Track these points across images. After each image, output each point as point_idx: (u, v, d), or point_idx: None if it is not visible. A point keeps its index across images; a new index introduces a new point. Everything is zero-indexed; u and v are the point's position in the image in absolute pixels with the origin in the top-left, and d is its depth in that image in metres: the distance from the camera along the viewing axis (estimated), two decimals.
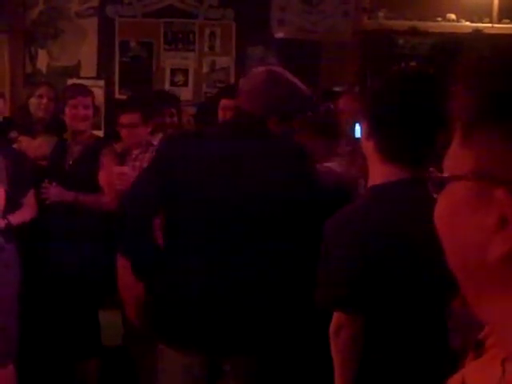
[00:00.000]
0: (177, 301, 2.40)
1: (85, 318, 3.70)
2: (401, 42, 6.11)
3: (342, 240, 1.87)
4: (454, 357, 1.54)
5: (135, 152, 3.74)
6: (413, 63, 5.97)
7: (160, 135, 3.70)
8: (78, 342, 3.68)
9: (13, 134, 4.06)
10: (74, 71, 6.01)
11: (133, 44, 6.06)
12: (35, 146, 3.91)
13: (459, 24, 6.07)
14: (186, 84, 6.06)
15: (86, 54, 6.00)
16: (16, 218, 3.44)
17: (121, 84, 6.04)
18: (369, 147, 1.90)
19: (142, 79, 5.97)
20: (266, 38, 6.05)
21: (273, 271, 2.31)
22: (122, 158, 3.73)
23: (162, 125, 3.98)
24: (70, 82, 5.75)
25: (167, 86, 5.98)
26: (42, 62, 6.02)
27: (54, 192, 3.66)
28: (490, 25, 6.05)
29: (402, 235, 1.80)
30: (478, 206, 0.64)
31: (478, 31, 5.98)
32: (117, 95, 5.93)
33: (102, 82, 5.99)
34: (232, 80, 5.84)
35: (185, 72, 6.09)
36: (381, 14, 6.12)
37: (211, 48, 6.12)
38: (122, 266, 3.58)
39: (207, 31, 6.10)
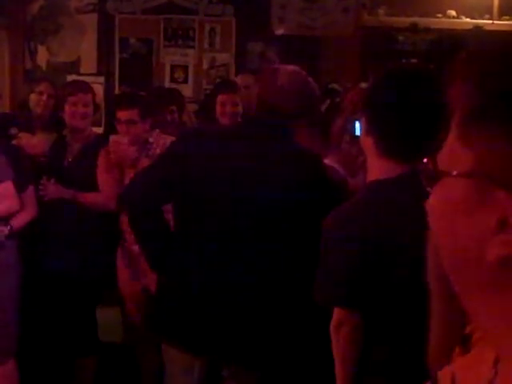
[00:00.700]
0: (176, 299, 2.40)
1: (83, 315, 3.69)
2: (401, 38, 6.10)
3: (341, 236, 1.87)
4: None
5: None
6: (413, 60, 5.96)
7: (156, 132, 3.68)
8: (76, 339, 3.67)
9: (13, 131, 4.05)
10: (74, 67, 6.00)
11: (133, 40, 6.05)
12: (34, 143, 3.90)
13: (459, 20, 6.06)
14: (185, 80, 6.05)
15: (86, 50, 5.99)
16: (18, 222, 3.44)
17: (121, 80, 6.03)
18: (368, 143, 1.90)
19: (141, 76, 5.96)
20: (265, 34, 6.04)
21: (273, 273, 2.28)
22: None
23: (163, 122, 3.97)
24: (69, 78, 5.74)
25: (167, 83, 5.97)
26: (42, 58, 6.01)
27: (53, 189, 3.65)
28: (490, 21, 6.04)
29: (401, 231, 1.80)
30: (477, 206, 0.63)
31: (478, 28, 5.97)
32: (117, 92, 5.92)
33: (101, 79, 5.98)
34: (232, 76, 5.83)
35: (185, 68, 6.08)
36: (381, 11, 6.11)
37: (211, 44, 6.10)
38: (122, 262, 3.60)
39: (207, 27, 6.09)
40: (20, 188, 3.45)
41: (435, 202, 0.68)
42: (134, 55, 6.04)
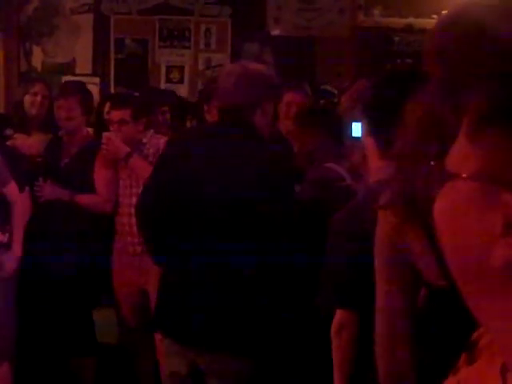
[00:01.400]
0: (161, 293, 2.58)
1: (80, 316, 3.69)
2: (396, 39, 6.11)
3: (343, 238, 1.87)
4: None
5: None
6: (408, 60, 5.97)
7: (151, 132, 3.68)
8: (73, 340, 3.67)
9: (8, 132, 4.05)
10: (69, 68, 5.99)
11: (128, 41, 6.04)
12: (29, 143, 3.90)
13: None
14: (181, 81, 6.05)
15: (81, 51, 5.99)
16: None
17: (116, 81, 6.02)
18: (369, 144, 1.90)
19: (137, 76, 5.96)
20: (261, 34, 6.04)
21: (235, 272, 2.36)
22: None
23: (156, 122, 3.97)
24: (65, 79, 5.74)
25: (163, 83, 5.97)
26: (37, 59, 6.00)
27: (49, 190, 3.65)
28: None
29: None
30: (484, 209, 0.62)
31: None
32: (112, 92, 5.91)
33: (97, 79, 5.97)
34: None
35: (180, 69, 6.08)
36: (376, 12, 6.12)
37: (207, 45, 6.10)
38: (117, 264, 3.60)
39: (203, 28, 6.09)
40: (19, 189, 3.45)
41: (442, 204, 0.68)
42: (129, 56, 6.04)
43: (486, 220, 0.62)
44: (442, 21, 0.67)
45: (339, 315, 1.88)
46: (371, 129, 1.88)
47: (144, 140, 3.61)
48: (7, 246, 3.37)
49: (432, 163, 0.68)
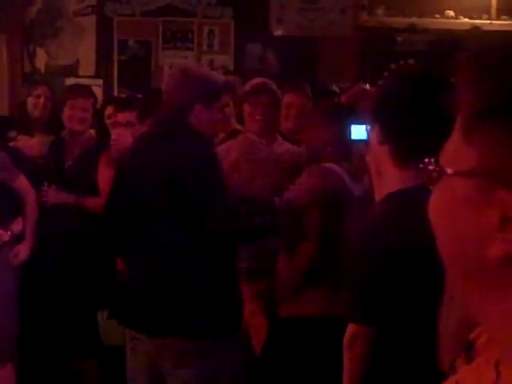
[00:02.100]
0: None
1: (84, 317, 3.69)
2: (399, 39, 6.11)
3: (364, 252, 1.82)
4: None
5: None
6: (411, 60, 5.97)
7: None
8: (77, 341, 3.67)
9: (11, 134, 4.06)
10: (73, 70, 6.00)
11: (131, 43, 6.05)
12: (31, 145, 3.91)
13: (458, 21, 6.06)
14: None
15: (85, 52, 6.00)
16: (18, 226, 3.44)
17: (119, 83, 6.03)
18: (382, 152, 1.82)
19: (140, 78, 5.96)
20: (264, 35, 6.05)
21: (171, 267, 2.54)
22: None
23: None
24: (68, 80, 5.75)
25: None
26: (41, 60, 6.01)
27: (54, 195, 3.65)
28: (488, 21, 6.04)
29: (424, 247, 1.75)
30: (479, 205, 0.63)
31: (476, 28, 5.98)
32: (115, 94, 5.92)
33: (100, 81, 5.98)
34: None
35: None
36: (379, 11, 6.12)
37: (210, 46, 6.11)
38: (123, 265, 3.60)
39: (206, 30, 6.09)
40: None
41: (437, 200, 0.68)
42: (132, 57, 6.04)
43: (482, 216, 0.62)
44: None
45: (351, 329, 1.85)
46: (385, 136, 1.80)
47: None
48: (18, 239, 3.39)
49: (426, 160, 0.69)
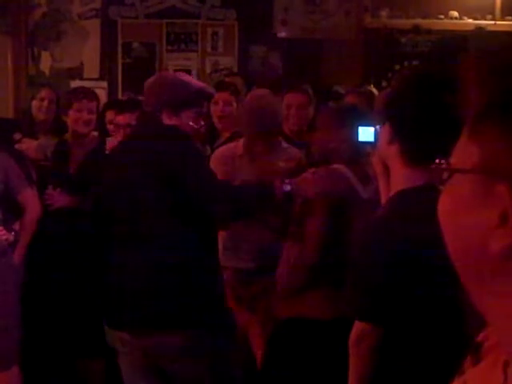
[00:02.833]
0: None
1: (89, 318, 3.69)
2: (403, 40, 6.11)
3: (370, 250, 1.82)
4: None
5: None
6: (415, 61, 5.97)
7: None
8: (82, 342, 3.68)
9: (16, 136, 4.07)
10: (77, 73, 6.02)
11: (135, 45, 6.07)
12: (35, 147, 3.92)
13: (462, 21, 6.06)
14: None
15: (89, 55, 6.01)
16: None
17: (124, 85, 6.05)
18: (391, 151, 1.82)
19: (144, 80, 5.94)
20: (268, 37, 6.06)
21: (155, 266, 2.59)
22: None
23: None
24: (72, 83, 5.77)
25: None
26: (45, 63, 6.03)
27: (59, 198, 3.66)
28: (492, 22, 6.04)
29: (430, 244, 1.76)
30: (481, 201, 0.64)
31: (480, 28, 5.98)
32: (120, 96, 5.93)
33: (104, 84, 6.00)
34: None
35: (188, 72, 6.06)
36: (383, 13, 6.12)
37: (214, 48, 6.12)
38: None
39: (210, 31, 6.10)
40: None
41: (443, 199, 0.69)
42: (136, 60, 6.06)
43: (483, 212, 0.63)
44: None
45: (358, 326, 1.84)
46: (396, 136, 1.80)
47: None
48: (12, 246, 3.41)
49: (437, 160, 0.70)
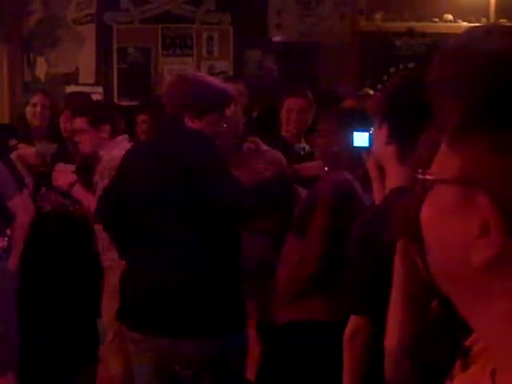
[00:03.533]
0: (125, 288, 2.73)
1: (83, 324, 3.69)
2: (398, 43, 6.12)
3: (364, 245, 1.84)
4: None
5: None
6: (410, 64, 5.98)
7: (122, 139, 3.67)
8: (77, 348, 3.67)
9: (12, 142, 4.07)
10: (73, 78, 6.02)
11: (131, 50, 6.07)
12: (33, 153, 3.92)
13: (456, 24, 6.06)
14: None
15: (84, 60, 6.01)
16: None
17: (119, 90, 6.05)
18: (388, 152, 1.85)
19: (140, 85, 5.98)
20: (263, 41, 6.06)
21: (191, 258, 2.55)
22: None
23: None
24: (68, 89, 5.77)
25: None
26: (41, 69, 6.03)
27: (51, 199, 3.66)
28: None
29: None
30: (462, 212, 0.64)
31: None
32: (116, 101, 5.93)
33: (100, 89, 5.99)
34: None
35: None
36: (378, 16, 6.13)
37: (209, 52, 6.12)
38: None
39: (205, 36, 6.11)
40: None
41: (425, 210, 0.69)
42: (132, 65, 6.06)
43: (464, 223, 0.63)
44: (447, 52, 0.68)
45: (353, 321, 1.86)
46: (392, 136, 1.83)
47: (101, 152, 3.41)
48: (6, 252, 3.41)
49: (420, 171, 0.70)
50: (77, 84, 5.93)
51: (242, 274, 2.70)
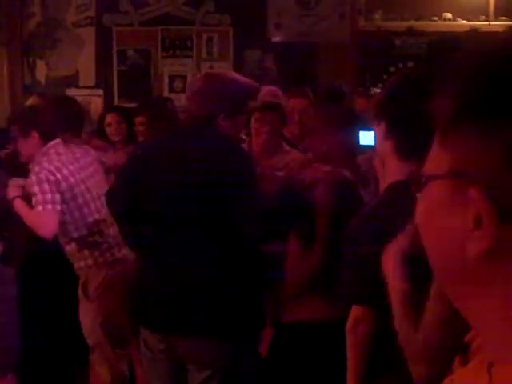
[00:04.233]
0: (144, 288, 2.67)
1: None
2: (398, 42, 6.12)
3: (363, 237, 1.86)
4: None
5: None
6: (410, 63, 5.98)
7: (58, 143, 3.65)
8: (75, 350, 3.68)
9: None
10: (73, 81, 6.04)
11: (130, 52, 6.08)
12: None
13: (456, 23, 6.07)
14: (184, 90, 6.07)
15: (84, 63, 6.03)
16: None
17: (120, 92, 6.06)
18: (387, 147, 1.88)
19: (140, 87, 5.99)
20: (263, 42, 6.08)
21: (207, 258, 2.49)
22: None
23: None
24: (68, 91, 5.79)
25: (166, 93, 6.01)
26: (41, 72, 6.05)
27: None
28: (486, 23, 6.05)
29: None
30: (455, 206, 0.65)
31: (474, 30, 5.98)
32: (116, 104, 5.94)
33: (100, 91, 6.01)
34: None
35: (183, 78, 6.11)
36: (377, 16, 6.13)
37: (209, 54, 6.14)
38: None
39: (204, 37, 6.12)
40: None
41: (420, 206, 0.70)
42: (132, 67, 6.07)
43: (458, 216, 0.64)
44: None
45: (355, 311, 1.88)
46: (390, 131, 1.86)
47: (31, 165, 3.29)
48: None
49: (414, 168, 0.72)
50: (77, 87, 5.96)
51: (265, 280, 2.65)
